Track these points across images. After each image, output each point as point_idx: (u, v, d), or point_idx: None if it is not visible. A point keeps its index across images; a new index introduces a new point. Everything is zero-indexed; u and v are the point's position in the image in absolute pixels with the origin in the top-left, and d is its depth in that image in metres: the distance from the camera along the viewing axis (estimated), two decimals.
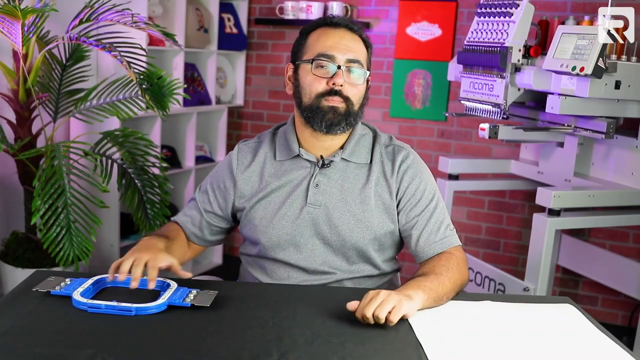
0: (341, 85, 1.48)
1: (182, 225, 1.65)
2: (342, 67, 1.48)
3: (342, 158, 1.55)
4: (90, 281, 1.38)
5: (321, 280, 1.54)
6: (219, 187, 1.62)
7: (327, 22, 1.54)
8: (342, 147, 1.56)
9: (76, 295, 1.30)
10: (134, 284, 1.32)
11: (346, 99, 1.50)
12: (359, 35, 1.55)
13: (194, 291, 1.35)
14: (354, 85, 1.50)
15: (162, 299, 1.30)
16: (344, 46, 1.50)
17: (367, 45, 1.57)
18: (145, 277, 1.39)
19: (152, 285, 1.33)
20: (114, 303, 1.27)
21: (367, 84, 1.56)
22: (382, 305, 1.24)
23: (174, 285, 1.38)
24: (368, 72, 1.54)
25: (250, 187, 1.58)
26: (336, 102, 1.49)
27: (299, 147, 1.56)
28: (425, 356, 1.15)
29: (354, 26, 1.55)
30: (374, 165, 1.56)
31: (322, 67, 1.49)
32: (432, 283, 1.39)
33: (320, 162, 1.54)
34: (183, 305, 1.29)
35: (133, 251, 1.40)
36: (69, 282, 1.38)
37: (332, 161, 1.54)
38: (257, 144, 1.63)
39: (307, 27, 1.57)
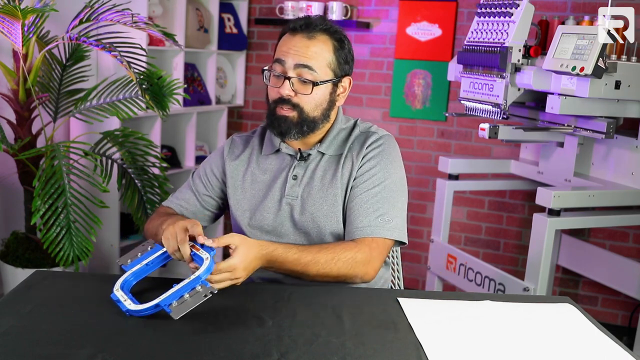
0: (288, 95, 1.50)
1: (178, 211, 1.69)
2: (290, 77, 1.49)
3: (318, 151, 1.59)
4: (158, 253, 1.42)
5: None
6: (212, 172, 1.69)
7: (290, 27, 1.54)
8: (320, 141, 1.60)
9: (116, 287, 1.31)
10: (191, 265, 1.34)
11: (295, 106, 1.51)
12: (326, 33, 1.52)
13: (198, 287, 1.29)
14: (301, 92, 1.51)
15: (156, 301, 1.26)
16: (295, 51, 1.50)
17: (339, 42, 1.53)
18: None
19: (208, 242, 1.35)
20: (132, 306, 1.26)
21: (335, 86, 1.55)
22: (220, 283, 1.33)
23: (201, 267, 1.31)
24: (329, 78, 1.52)
25: (237, 177, 1.64)
26: (286, 111, 1.52)
27: (280, 141, 1.61)
28: (425, 356, 1.15)
29: (313, 28, 1.51)
30: (348, 153, 1.59)
31: (274, 76, 1.53)
32: (296, 255, 1.43)
33: (299, 154, 1.59)
34: (167, 311, 1.25)
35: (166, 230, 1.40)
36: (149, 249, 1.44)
37: (309, 154, 1.59)
38: (248, 137, 1.70)
39: (281, 31, 1.58)
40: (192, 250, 1.36)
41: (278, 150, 1.62)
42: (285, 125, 1.52)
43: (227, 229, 3.95)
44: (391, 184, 1.56)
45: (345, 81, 1.59)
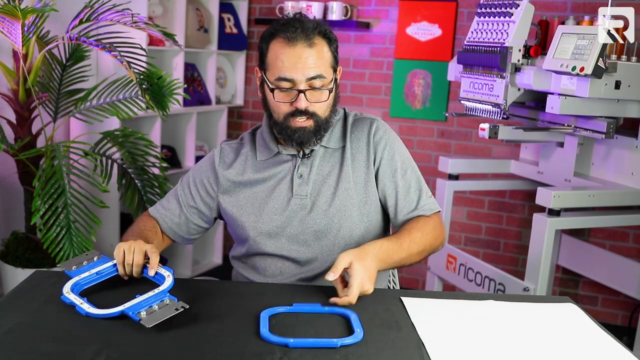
0: (306, 108, 1.48)
1: (160, 221, 1.66)
2: (304, 91, 1.47)
3: (321, 145, 1.59)
4: (99, 268, 1.40)
5: (314, 271, 1.55)
6: (202, 182, 1.64)
7: (284, 34, 1.47)
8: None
9: (66, 289, 1.30)
10: (151, 272, 1.37)
11: (312, 115, 1.50)
12: (320, 35, 1.49)
13: (166, 300, 1.27)
14: (319, 101, 1.50)
15: (121, 307, 1.24)
16: (302, 65, 1.46)
17: (330, 40, 1.52)
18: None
19: (152, 273, 1.36)
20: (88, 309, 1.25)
21: (336, 82, 1.54)
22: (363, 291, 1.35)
23: (165, 282, 1.32)
24: (333, 77, 1.51)
25: (233, 185, 1.60)
26: (303, 122, 1.50)
27: (278, 144, 1.59)
28: (427, 355, 1.15)
29: (310, 33, 1.47)
30: (348, 144, 1.59)
31: (283, 91, 1.49)
32: (397, 242, 1.47)
33: (301, 153, 1.58)
34: (133, 318, 1.22)
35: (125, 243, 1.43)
36: (85, 264, 1.41)
37: (312, 150, 1.58)
38: (239, 145, 1.66)
39: (266, 33, 1.52)
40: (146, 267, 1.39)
41: (276, 154, 1.59)
42: (304, 136, 1.50)
43: (227, 239, 3.91)
44: (413, 163, 1.63)
45: (338, 71, 1.57)
